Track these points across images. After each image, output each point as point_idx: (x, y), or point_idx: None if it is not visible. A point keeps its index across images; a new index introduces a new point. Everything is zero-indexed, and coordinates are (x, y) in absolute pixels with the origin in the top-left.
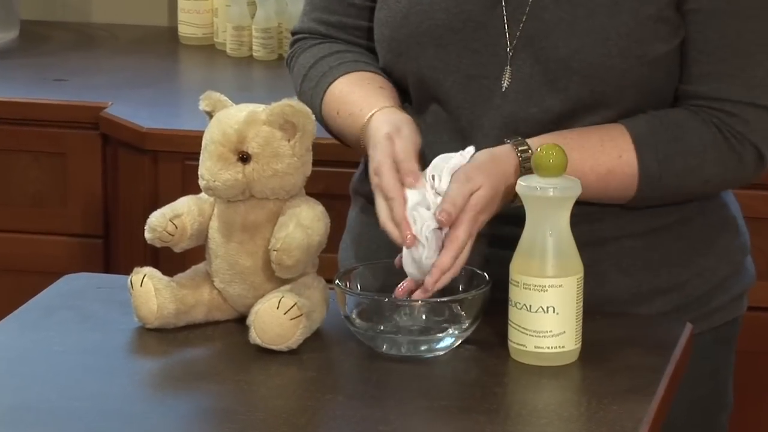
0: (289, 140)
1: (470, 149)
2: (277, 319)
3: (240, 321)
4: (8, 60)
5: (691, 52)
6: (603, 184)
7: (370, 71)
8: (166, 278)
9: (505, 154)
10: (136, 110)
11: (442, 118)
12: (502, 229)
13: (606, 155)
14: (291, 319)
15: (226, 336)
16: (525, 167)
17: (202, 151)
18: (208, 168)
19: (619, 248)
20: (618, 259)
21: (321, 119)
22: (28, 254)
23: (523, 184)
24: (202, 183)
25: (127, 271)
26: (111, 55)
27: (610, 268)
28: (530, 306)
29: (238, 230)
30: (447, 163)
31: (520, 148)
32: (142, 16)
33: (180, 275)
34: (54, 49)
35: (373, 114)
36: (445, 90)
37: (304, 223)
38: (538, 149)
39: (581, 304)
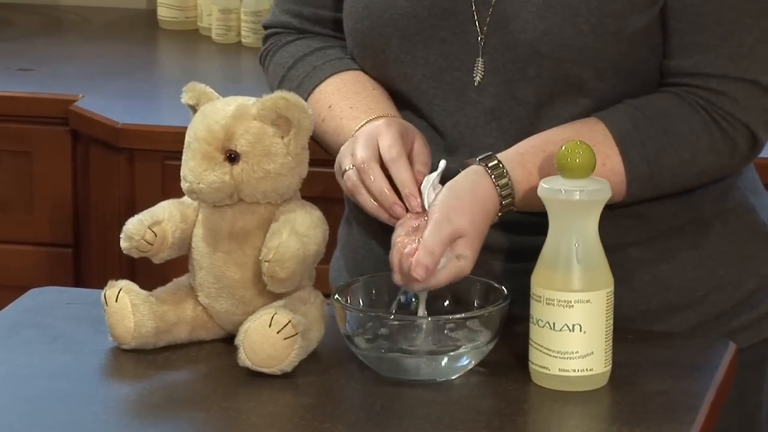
0: (282, 137)
1: (443, 163)
2: (269, 338)
3: (227, 341)
4: None
5: (670, 21)
6: None
7: (357, 69)
8: (144, 293)
9: (484, 186)
10: (109, 103)
11: (412, 121)
12: (519, 239)
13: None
14: (285, 339)
15: (212, 357)
16: (503, 195)
17: (184, 150)
18: (191, 168)
19: (623, 259)
20: (622, 271)
21: None
22: None
23: (545, 187)
24: (184, 185)
25: (101, 285)
26: (82, 42)
27: (615, 282)
28: (554, 324)
29: (225, 238)
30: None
31: (494, 174)
32: None
33: (160, 289)
34: (18, 35)
35: (369, 120)
36: (415, 85)
37: (300, 230)
38: (563, 147)
39: (611, 321)
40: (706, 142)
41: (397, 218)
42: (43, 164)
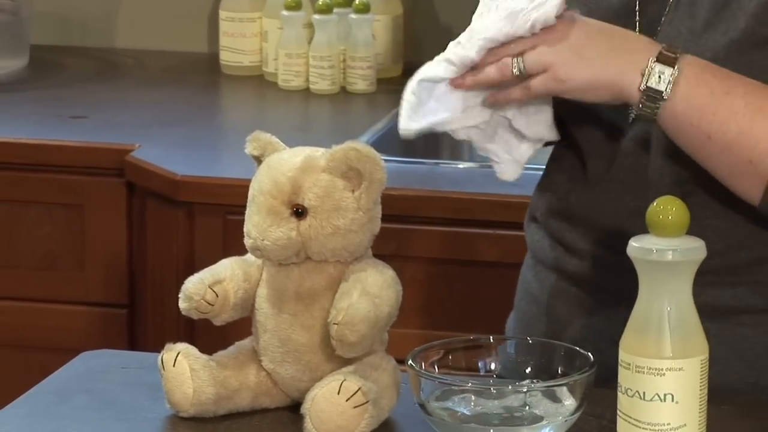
0: (353, 191)
1: None
2: (337, 406)
3: (293, 409)
4: (16, 93)
5: None
6: (750, 119)
7: None
8: (204, 357)
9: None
10: (168, 154)
11: (562, 150)
12: (607, 283)
13: (764, 92)
14: (354, 407)
15: (277, 427)
16: (663, 59)
17: (248, 204)
18: (255, 224)
19: (736, 324)
20: (733, 338)
21: None
22: (38, 327)
23: (635, 245)
24: (248, 242)
25: (157, 348)
26: (139, 88)
27: (723, 348)
28: (644, 393)
29: (291, 299)
30: None
31: (669, 44)
32: (177, 40)
33: (221, 353)
34: (71, 80)
35: None
36: (571, 111)
37: (371, 291)
38: (654, 203)
39: (705, 391)
40: None
41: None
42: (96, 218)
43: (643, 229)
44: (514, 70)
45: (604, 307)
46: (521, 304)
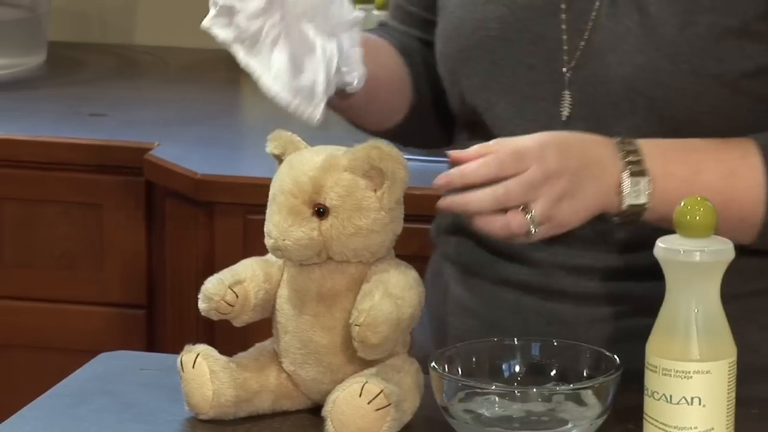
0: (375, 190)
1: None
2: (359, 409)
3: (314, 411)
4: (33, 90)
5: None
6: (729, 186)
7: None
8: (223, 358)
9: (607, 147)
10: (188, 152)
11: None
12: (565, 288)
13: (728, 153)
14: (376, 410)
15: (297, 429)
16: (633, 171)
17: (269, 204)
18: (276, 224)
19: None
20: None
21: None
22: (55, 327)
23: (662, 246)
24: (268, 242)
25: (176, 350)
26: (158, 85)
27: None
28: (671, 396)
29: (312, 300)
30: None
31: (627, 149)
32: (196, 37)
33: (241, 355)
34: (89, 78)
35: None
36: (497, 114)
37: (394, 292)
38: (682, 203)
39: (734, 393)
40: None
41: None
42: (114, 218)
43: (602, 231)
44: (532, 229)
45: (561, 313)
46: (455, 321)
